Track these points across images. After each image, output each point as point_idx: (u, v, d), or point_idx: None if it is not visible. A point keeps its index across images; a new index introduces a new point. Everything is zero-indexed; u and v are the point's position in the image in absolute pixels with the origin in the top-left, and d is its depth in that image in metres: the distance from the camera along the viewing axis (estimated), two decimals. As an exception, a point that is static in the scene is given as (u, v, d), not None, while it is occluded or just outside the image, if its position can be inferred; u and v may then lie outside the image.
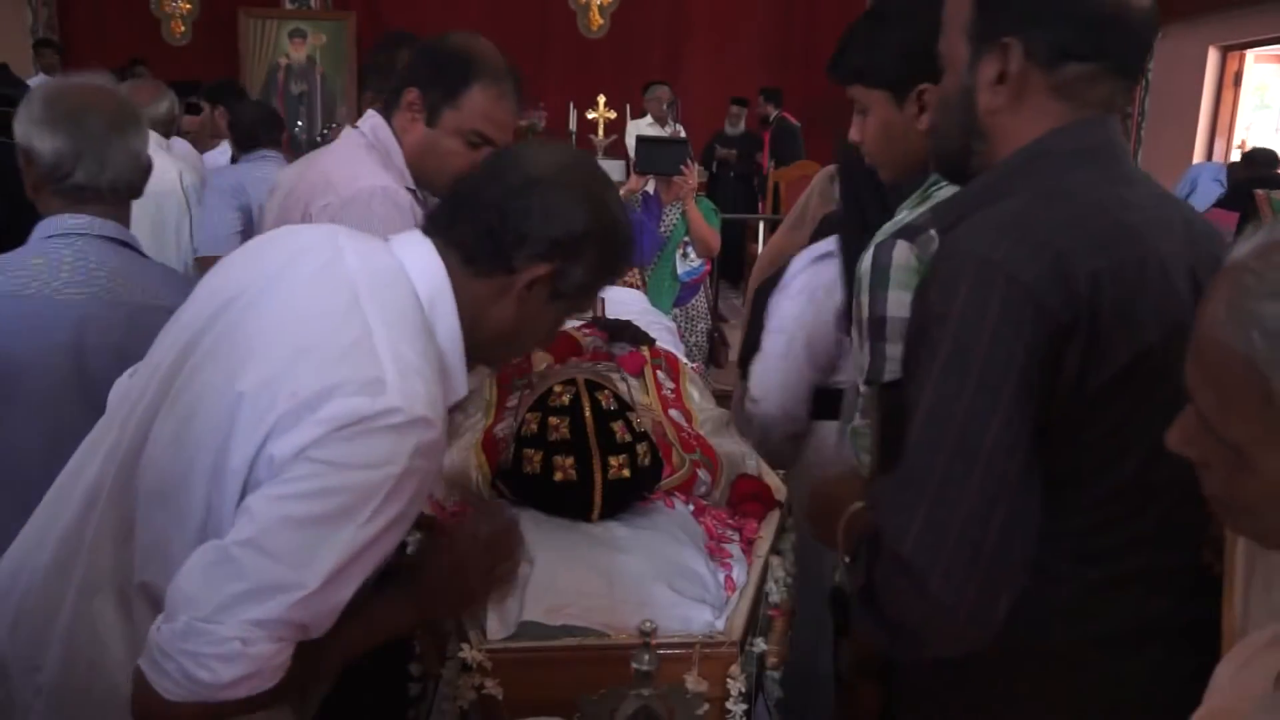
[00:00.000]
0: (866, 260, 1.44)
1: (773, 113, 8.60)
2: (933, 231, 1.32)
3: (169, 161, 2.56)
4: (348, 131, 1.96)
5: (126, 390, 1.23)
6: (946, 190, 1.45)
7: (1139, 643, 1.07)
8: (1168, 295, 1.01)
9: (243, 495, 1.03)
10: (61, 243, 1.61)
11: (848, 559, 1.15)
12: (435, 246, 1.16)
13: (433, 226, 1.19)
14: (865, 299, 1.42)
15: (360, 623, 1.10)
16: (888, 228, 1.48)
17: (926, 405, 0.99)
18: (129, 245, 1.70)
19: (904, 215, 1.49)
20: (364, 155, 1.82)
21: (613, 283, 1.28)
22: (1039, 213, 1.01)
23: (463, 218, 1.16)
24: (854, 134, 1.59)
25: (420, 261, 1.14)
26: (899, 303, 1.28)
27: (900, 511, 0.98)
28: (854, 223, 1.75)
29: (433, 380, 1.07)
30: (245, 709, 0.99)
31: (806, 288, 1.84)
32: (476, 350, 1.17)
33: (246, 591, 0.97)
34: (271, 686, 1.00)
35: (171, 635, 0.97)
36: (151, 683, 0.98)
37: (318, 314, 1.08)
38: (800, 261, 1.88)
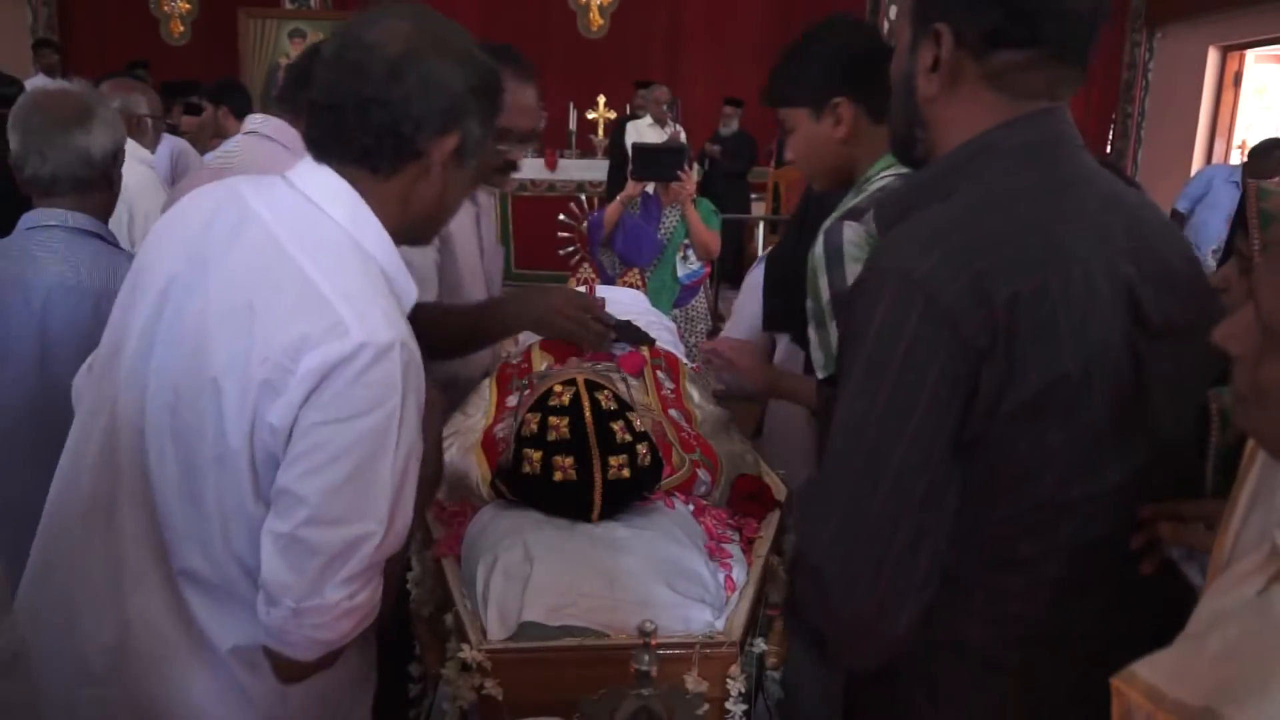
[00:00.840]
0: (818, 246, 1.54)
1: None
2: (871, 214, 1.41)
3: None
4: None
5: (97, 392, 1.21)
6: (879, 180, 1.56)
7: (1061, 644, 1.06)
8: (1090, 316, 0.98)
9: (253, 466, 1.07)
10: (36, 233, 1.79)
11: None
12: (333, 169, 1.14)
13: (321, 151, 1.16)
14: (824, 281, 1.52)
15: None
16: (832, 217, 1.58)
17: (841, 419, 1.00)
18: (100, 236, 1.86)
19: (845, 204, 1.59)
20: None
21: (499, 116, 1.23)
22: (965, 227, 0.99)
23: (348, 130, 1.12)
24: (788, 153, 1.75)
25: (327, 190, 1.14)
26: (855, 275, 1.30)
27: (814, 521, 1.01)
28: (791, 225, 1.89)
29: (384, 296, 1.10)
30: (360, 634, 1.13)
31: (754, 284, 1.93)
32: (411, 238, 1.19)
33: (329, 561, 1.05)
34: (380, 608, 1.14)
35: (285, 619, 1.07)
36: (287, 656, 1.10)
37: (253, 277, 1.09)
38: (758, 261, 2.00)
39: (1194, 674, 0.71)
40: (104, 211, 1.92)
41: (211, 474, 1.10)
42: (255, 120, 2.10)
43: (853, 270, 1.49)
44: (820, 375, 1.53)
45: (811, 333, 1.62)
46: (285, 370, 1.03)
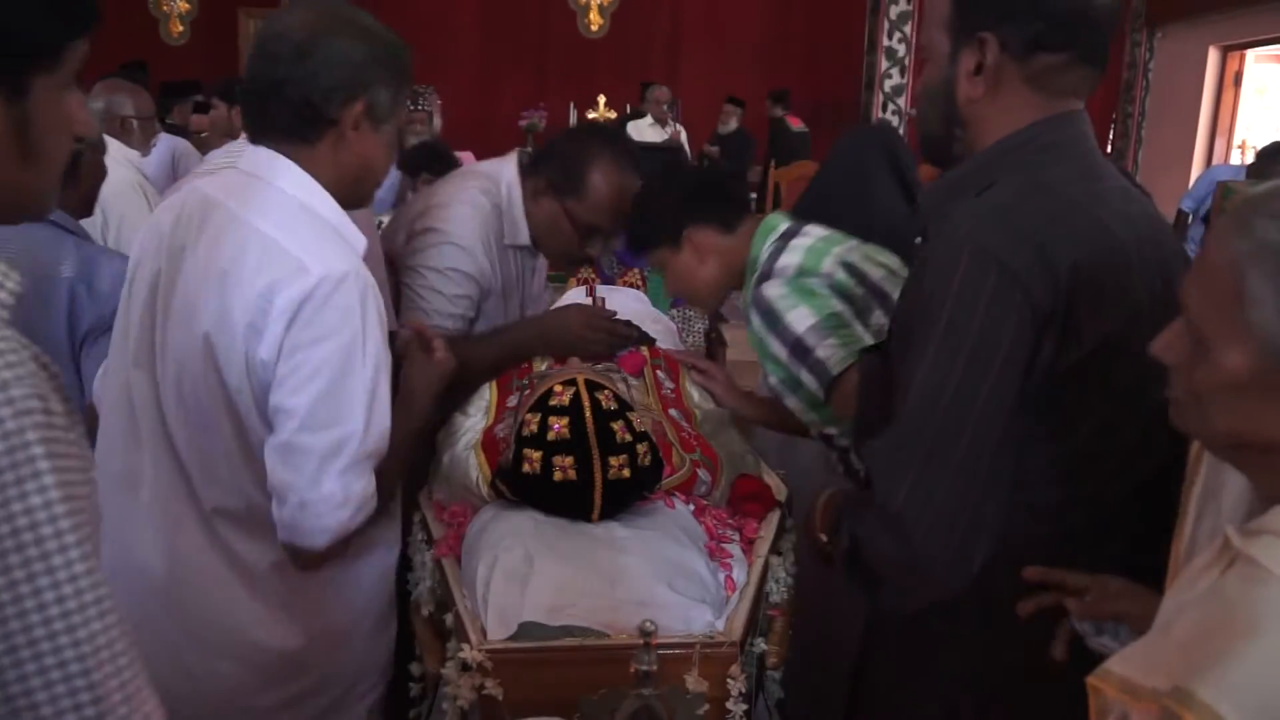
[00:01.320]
0: (753, 320, 1.74)
1: (779, 113, 8.59)
2: (775, 265, 1.73)
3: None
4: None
5: (115, 387, 1.40)
6: (767, 252, 1.77)
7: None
8: (1130, 287, 1.09)
9: (255, 400, 1.28)
10: None
11: (824, 536, 1.32)
12: (269, 147, 1.33)
13: (256, 132, 1.35)
14: (775, 344, 1.70)
15: (399, 426, 1.38)
16: (745, 293, 1.79)
17: (922, 376, 1.08)
18: (57, 225, 1.87)
19: (749, 285, 1.78)
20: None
21: (408, 82, 1.40)
22: (1023, 206, 1.10)
23: (271, 110, 1.32)
24: (665, 290, 2.03)
25: (268, 165, 1.33)
26: (800, 317, 1.65)
27: (893, 472, 1.10)
28: None
29: (334, 240, 1.31)
30: (368, 523, 1.34)
31: None
32: (349, 198, 1.35)
33: (321, 460, 1.26)
34: (376, 503, 1.33)
35: (294, 513, 1.27)
36: (302, 546, 1.30)
37: (221, 248, 1.28)
38: None
39: (1163, 662, 0.75)
40: (70, 207, 1.92)
41: (225, 421, 1.29)
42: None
43: (793, 316, 1.66)
44: (832, 374, 1.63)
45: (790, 401, 1.72)
46: (263, 312, 1.23)
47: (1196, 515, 1.00)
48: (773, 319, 1.69)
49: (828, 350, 1.63)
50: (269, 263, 1.25)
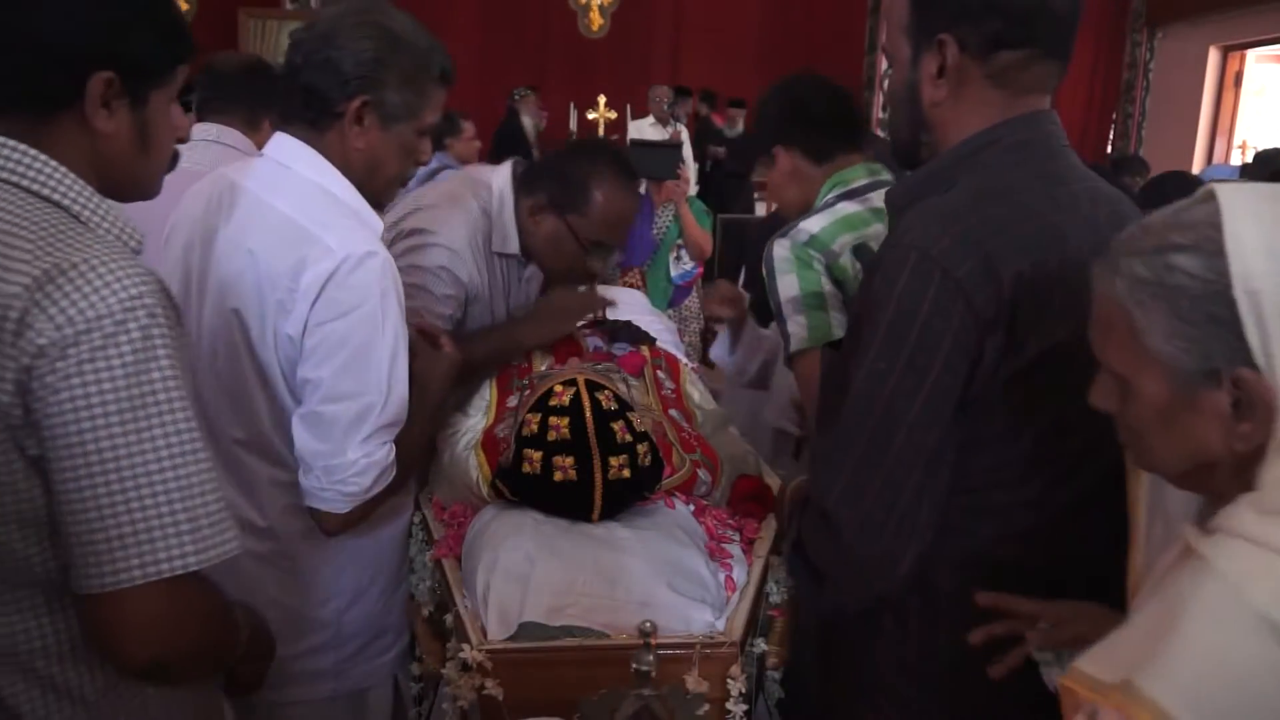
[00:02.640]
0: (765, 261, 1.86)
1: (704, 112, 8.59)
2: (801, 224, 1.82)
3: None
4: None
5: None
6: (845, 205, 1.83)
7: (1023, 588, 1.14)
8: (1082, 293, 1.04)
9: (283, 372, 1.39)
10: None
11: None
12: (290, 133, 1.42)
13: (284, 119, 1.44)
14: (770, 289, 1.83)
15: (416, 414, 1.47)
16: (776, 236, 1.86)
17: (861, 379, 1.11)
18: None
19: (792, 223, 1.86)
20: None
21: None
22: (975, 212, 1.10)
23: (288, 95, 1.42)
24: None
25: (290, 152, 1.42)
26: (786, 285, 1.78)
27: (828, 470, 1.13)
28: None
29: (354, 222, 1.39)
30: (388, 492, 1.44)
31: None
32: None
33: (345, 428, 1.36)
34: (395, 474, 1.43)
35: (318, 479, 1.38)
36: (326, 511, 1.40)
37: (249, 230, 1.38)
38: None
39: (1122, 657, 0.79)
40: None
41: (259, 394, 1.41)
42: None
43: (783, 282, 1.79)
44: (790, 350, 1.79)
45: (778, 325, 1.86)
46: (290, 290, 1.33)
47: (1147, 522, 1.02)
48: (770, 275, 1.82)
49: (795, 327, 1.76)
50: (294, 243, 1.34)
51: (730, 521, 1.67)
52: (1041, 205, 1.11)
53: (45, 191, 0.97)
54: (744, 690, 1.35)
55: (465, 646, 1.30)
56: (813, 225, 1.79)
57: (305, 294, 1.32)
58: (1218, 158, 8.31)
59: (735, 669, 1.34)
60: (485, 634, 1.34)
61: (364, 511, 1.42)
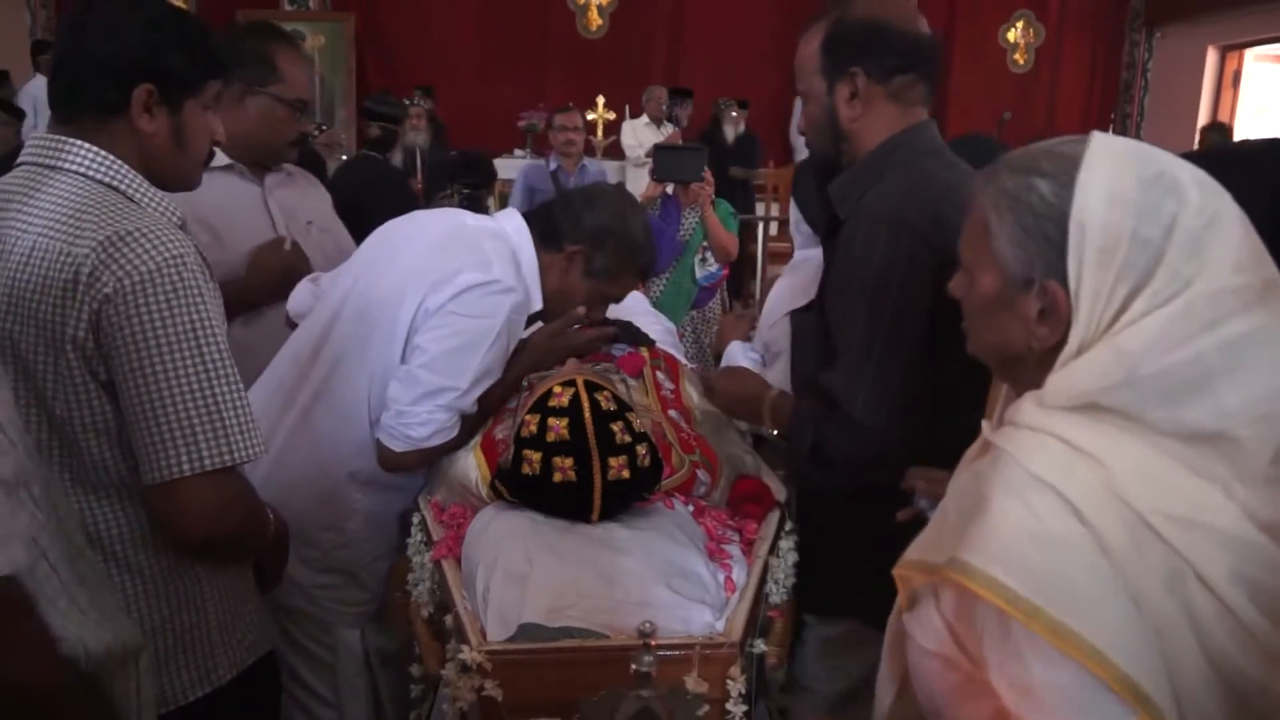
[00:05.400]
0: None
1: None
2: None
3: None
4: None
5: (313, 316, 1.88)
6: None
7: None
8: None
9: (407, 335, 1.70)
10: None
11: (775, 431, 1.69)
12: (523, 220, 1.84)
13: (527, 216, 1.86)
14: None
15: (493, 391, 1.80)
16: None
17: (864, 320, 1.48)
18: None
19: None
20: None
21: (638, 281, 1.84)
22: (917, 190, 1.50)
23: (541, 213, 1.86)
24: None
25: (512, 224, 1.84)
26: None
27: (851, 390, 1.50)
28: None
29: (518, 281, 1.74)
30: (441, 451, 1.74)
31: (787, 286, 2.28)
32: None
33: (426, 392, 1.68)
34: (451, 438, 1.72)
35: (390, 418, 1.69)
36: (386, 445, 1.70)
37: (446, 236, 1.78)
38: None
39: (944, 541, 0.93)
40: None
41: (384, 334, 1.71)
42: None
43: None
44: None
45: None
46: (446, 280, 1.67)
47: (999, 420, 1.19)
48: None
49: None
50: (471, 253, 1.72)
51: (730, 522, 1.67)
52: (953, 179, 1.51)
53: (106, 179, 1.26)
54: (744, 691, 1.35)
55: (465, 648, 1.30)
56: None
57: (455, 285, 1.66)
58: (1216, 157, 8.29)
59: (735, 669, 1.33)
60: (485, 635, 1.34)
61: (419, 459, 1.71)
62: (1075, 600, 0.85)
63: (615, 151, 7.83)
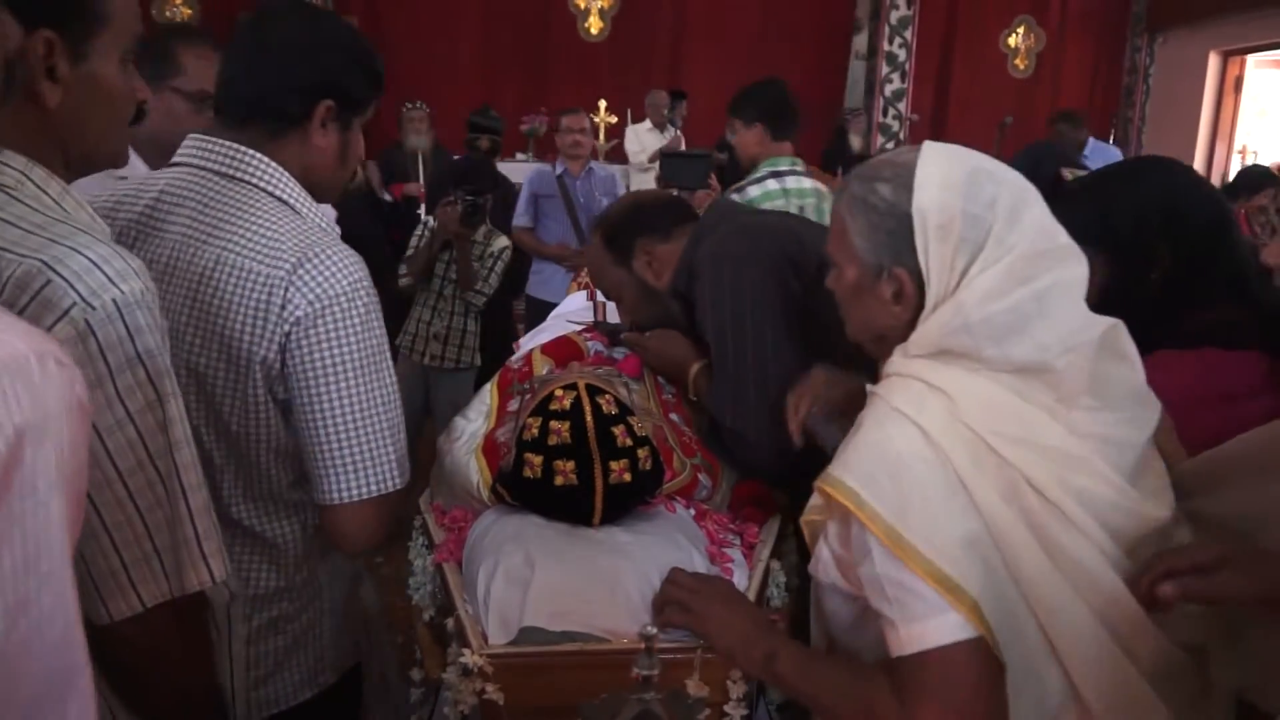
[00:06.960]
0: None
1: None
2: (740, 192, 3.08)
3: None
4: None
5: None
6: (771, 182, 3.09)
7: None
8: (817, 268, 1.51)
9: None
10: None
11: (695, 397, 1.87)
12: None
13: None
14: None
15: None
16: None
17: (729, 348, 1.69)
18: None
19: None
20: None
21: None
22: (753, 230, 1.79)
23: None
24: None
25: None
26: None
27: (726, 402, 1.71)
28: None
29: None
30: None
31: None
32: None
33: None
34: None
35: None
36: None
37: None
38: None
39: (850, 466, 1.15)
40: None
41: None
42: None
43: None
44: None
45: None
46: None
47: None
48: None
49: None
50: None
51: (731, 525, 1.67)
52: (782, 226, 1.84)
53: (273, 189, 1.29)
54: (744, 694, 1.35)
55: (466, 651, 1.30)
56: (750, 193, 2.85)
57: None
58: (1218, 163, 8.32)
59: (736, 673, 1.33)
60: (486, 639, 1.34)
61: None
62: (907, 509, 1.06)
63: (616, 155, 7.83)
